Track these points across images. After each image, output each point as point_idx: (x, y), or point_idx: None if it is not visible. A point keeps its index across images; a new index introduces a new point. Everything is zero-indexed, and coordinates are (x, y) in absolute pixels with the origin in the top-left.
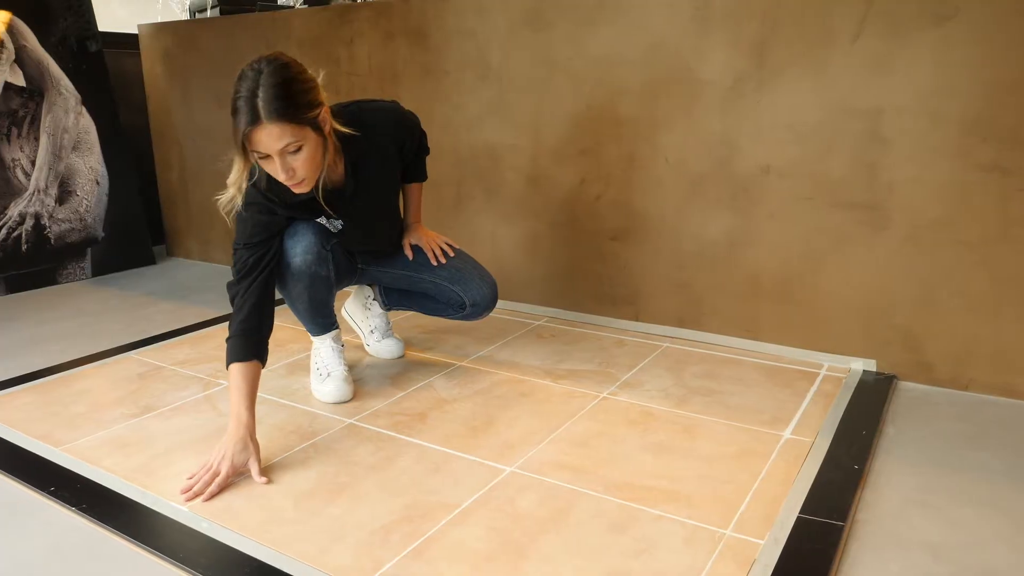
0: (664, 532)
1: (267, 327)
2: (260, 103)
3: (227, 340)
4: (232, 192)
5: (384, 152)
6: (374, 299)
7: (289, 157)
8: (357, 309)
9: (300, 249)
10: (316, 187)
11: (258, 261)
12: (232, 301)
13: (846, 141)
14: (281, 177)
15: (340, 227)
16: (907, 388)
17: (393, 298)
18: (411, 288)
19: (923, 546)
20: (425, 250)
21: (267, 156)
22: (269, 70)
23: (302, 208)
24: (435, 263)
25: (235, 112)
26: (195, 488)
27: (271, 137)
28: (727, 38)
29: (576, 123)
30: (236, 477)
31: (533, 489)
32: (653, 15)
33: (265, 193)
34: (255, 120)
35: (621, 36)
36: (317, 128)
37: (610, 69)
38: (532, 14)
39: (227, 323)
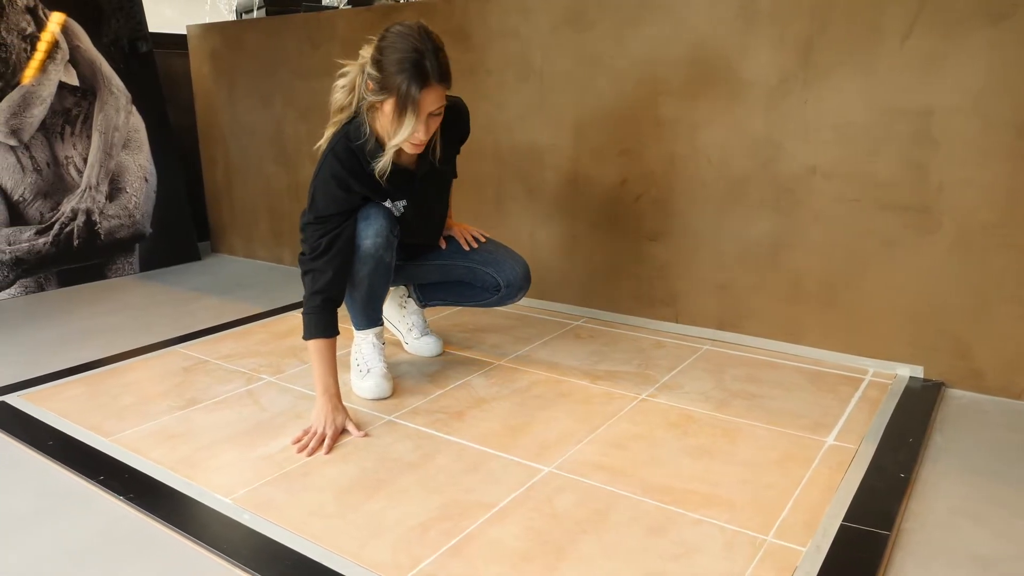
0: (703, 536)
1: (340, 302)
2: (428, 65)
3: (304, 314)
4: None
5: (453, 140)
6: (409, 296)
7: (432, 119)
8: (393, 310)
9: (372, 232)
10: (400, 164)
11: (331, 243)
12: (305, 275)
13: (895, 142)
14: (421, 137)
15: (402, 209)
16: (956, 396)
17: (428, 293)
18: (445, 278)
19: (972, 558)
20: (457, 238)
21: (420, 111)
22: (428, 35)
23: (376, 183)
24: (467, 248)
25: (399, 72)
26: (311, 446)
27: (434, 98)
28: (773, 37)
29: (617, 123)
30: (339, 439)
31: (571, 489)
32: (696, 14)
33: (351, 159)
34: (427, 81)
35: (663, 35)
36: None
37: (652, 69)
38: (574, 14)
39: (268, 319)
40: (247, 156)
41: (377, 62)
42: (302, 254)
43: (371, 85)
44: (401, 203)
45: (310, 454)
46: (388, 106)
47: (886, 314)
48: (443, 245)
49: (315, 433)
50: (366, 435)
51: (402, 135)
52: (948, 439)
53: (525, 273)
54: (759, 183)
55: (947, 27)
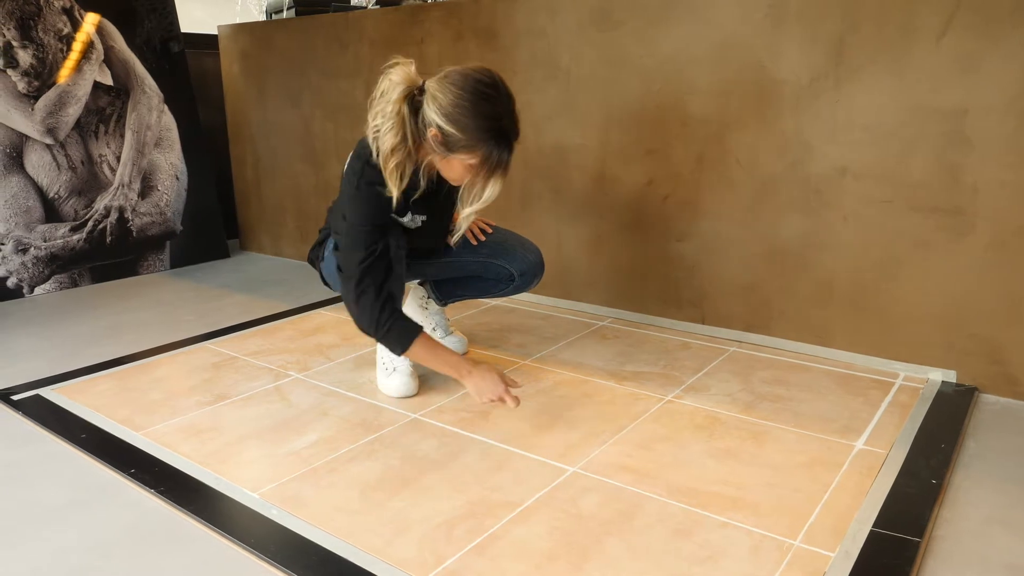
0: (730, 540)
1: (401, 301)
2: (508, 128)
3: (387, 330)
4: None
5: None
6: (428, 297)
7: None
8: (415, 311)
9: None
10: (431, 179)
11: (387, 248)
12: (363, 293)
13: (928, 142)
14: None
15: (420, 223)
16: (989, 401)
17: (445, 290)
18: (458, 274)
19: (1005, 567)
20: (464, 233)
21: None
22: (506, 95)
23: (400, 201)
24: (474, 243)
25: (481, 139)
26: (507, 400)
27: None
28: (803, 36)
29: (644, 123)
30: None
31: (596, 490)
32: (725, 13)
33: (380, 176)
34: (511, 146)
35: (691, 34)
36: None
37: (680, 68)
38: (602, 13)
39: (295, 316)
40: (276, 155)
41: (453, 119)
42: (347, 271)
43: (438, 135)
44: (421, 217)
45: (516, 401)
46: (461, 161)
47: (918, 317)
48: (451, 241)
49: (497, 395)
50: (523, 388)
51: (490, 194)
52: (981, 445)
53: (538, 260)
54: (788, 184)
55: (983, 26)
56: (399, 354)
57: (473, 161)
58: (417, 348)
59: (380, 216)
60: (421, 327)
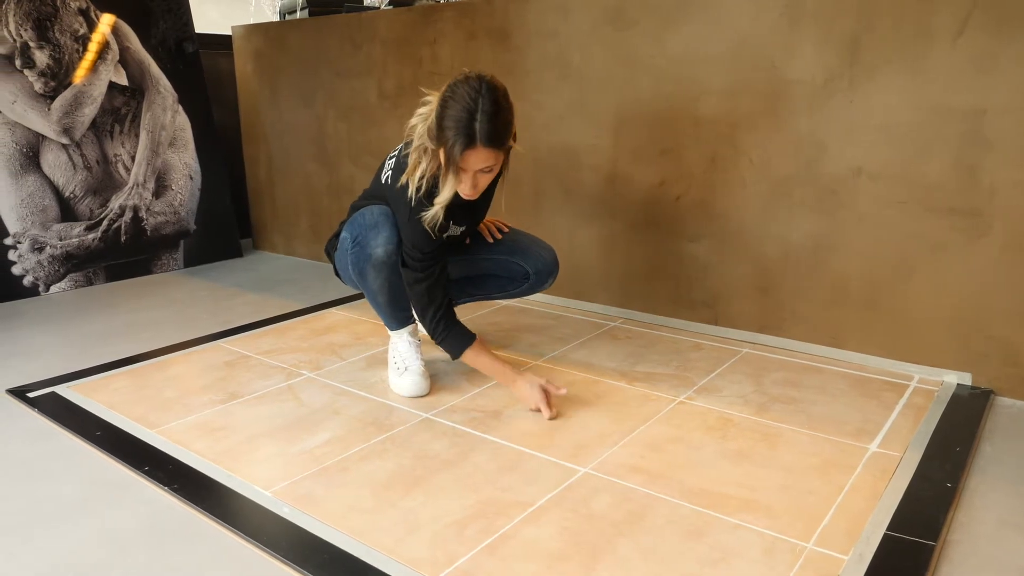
0: (742, 541)
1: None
2: (477, 126)
3: (443, 339)
4: (412, 187)
5: None
6: None
7: (481, 175)
8: None
9: (382, 240)
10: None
11: (442, 269)
12: (430, 304)
13: (944, 143)
14: (465, 189)
15: (460, 233)
16: (1005, 404)
17: (456, 289)
18: (472, 272)
19: (1020, 572)
20: (480, 231)
21: (461, 170)
22: (489, 97)
23: (448, 214)
24: (491, 240)
25: (450, 128)
26: (550, 412)
27: (478, 159)
28: (817, 35)
29: (656, 123)
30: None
31: (607, 491)
32: (739, 12)
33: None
34: (471, 143)
35: (705, 34)
36: (507, 152)
37: (693, 68)
38: (614, 13)
39: (307, 315)
40: (288, 155)
41: (439, 111)
42: (411, 289)
43: (432, 130)
44: (460, 228)
45: (554, 415)
46: (441, 156)
47: (933, 319)
48: (466, 240)
49: (538, 404)
50: (566, 391)
51: (447, 193)
52: (997, 449)
53: (553, 259)
54: (802, 184)
55: (1000, 25)
56: (454, 359)
57: (442, 151)
58: (469, 355)
59: (429, 245)
60: (475, 336)
